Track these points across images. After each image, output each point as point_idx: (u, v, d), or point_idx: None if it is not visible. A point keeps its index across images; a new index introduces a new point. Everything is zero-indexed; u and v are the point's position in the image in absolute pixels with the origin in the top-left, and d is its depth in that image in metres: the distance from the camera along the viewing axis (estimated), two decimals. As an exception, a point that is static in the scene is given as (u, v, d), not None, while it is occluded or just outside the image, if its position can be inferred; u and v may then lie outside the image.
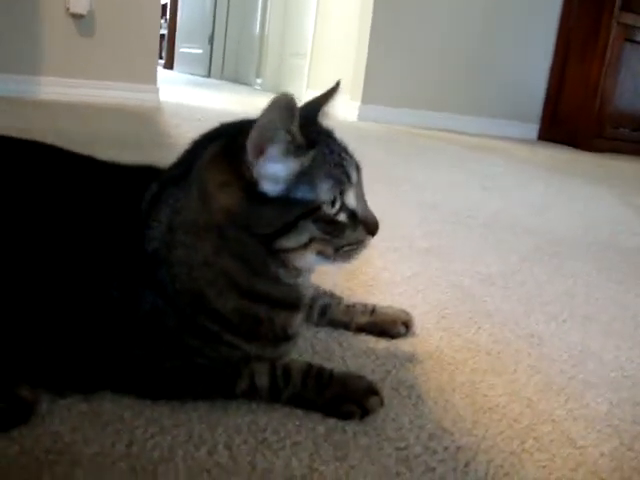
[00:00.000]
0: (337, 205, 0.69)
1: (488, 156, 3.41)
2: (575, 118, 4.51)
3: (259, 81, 6.66)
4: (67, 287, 0.68)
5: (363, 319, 0.94)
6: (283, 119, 0.63)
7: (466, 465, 0.66)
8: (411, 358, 0.89)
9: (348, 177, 0.70)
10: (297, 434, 0.68)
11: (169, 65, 8.36)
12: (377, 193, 2.05)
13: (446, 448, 0.69)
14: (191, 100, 4.32)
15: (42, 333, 0.68)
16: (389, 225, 1.63)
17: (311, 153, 0.67)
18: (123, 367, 0.69)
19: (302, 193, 0.67)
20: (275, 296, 0.72)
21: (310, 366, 0.74)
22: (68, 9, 3.46)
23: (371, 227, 0.73)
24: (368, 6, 4.29)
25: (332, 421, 0.71)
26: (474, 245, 1.55)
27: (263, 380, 0.71)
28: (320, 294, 0.96)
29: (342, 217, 0.70)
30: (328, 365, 0.77)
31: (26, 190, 0.72)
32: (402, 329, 0.95)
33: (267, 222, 0.67)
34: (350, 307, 0.95)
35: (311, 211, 0.67)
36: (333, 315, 0.94)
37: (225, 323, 0.70)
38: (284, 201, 0.66)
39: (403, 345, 0.93)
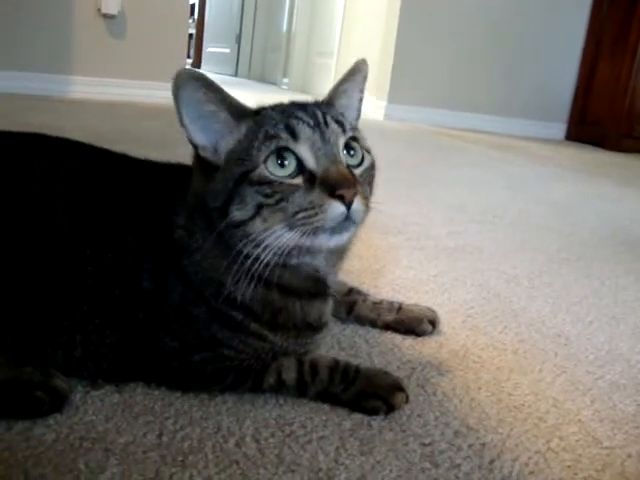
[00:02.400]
0: (289, 166, 0.64)
1: (514, 156, 3.38)
2: (603, 118, 4.44)
3: (286, 80, 6.68)
4: (101, 279, 0.70)
5: (390, 316, 0.95)
6: (190, 88, 0.65)
7: (491, 462, 0.67)
8: (437, 356, 0.90)
9: (292, 133, 0.65)
10: (324, 428, 0.69)
11: (197, 64, 8.43)
12: (403, 193, 2.05)
13: (471, 445, 0.69)
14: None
15: (77, 325, 0.70)
16: (415, 224, 1.64)
17: (242, 122, 0.68)
18: (154, 359, 0.71)
19: (237, 157, 0.67)
20: (285, 283, 0.71)
21: (337, 362, 0.75)
22: (99, 10, 3.52)
23: (331, 186, 0.63)
24: (395, 5, 4.28)
25: (358, 416, 0.72)
26: (500, 245, 1.54)
27: (290, 375, 0.73)
28: (347, 291, 0.97)
29: (289, 179, 0.64)
30: (354, 361, 0.78)
31: (66, 185, 0.74)
32: (428, 327, 0.95)
33: (216, 194, 0.67)
34: (377, 304, 0.96)
35: (245, 174, 0.65)
36: (360, 312, 0.95)
37: (248, 311, 0.70)
38: (226, 169, 0.67)
39: (429, 343, 0.93)
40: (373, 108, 4.42)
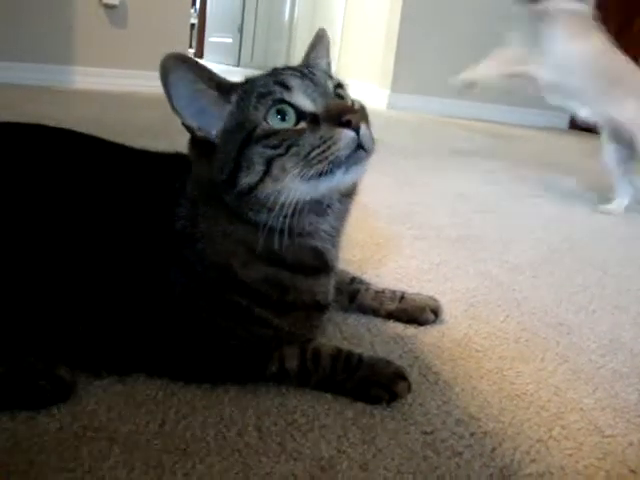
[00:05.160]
0: (290, 117, 0.65)
1: (517, 145, 3.37)
2: (608, 107, 4.41)
3: (288, 70, 6.64)
4: (103, 270, 0.71)
5: (392, 305, 0.95)
6: (178, 70, 0.66)
7: (492, 451, 0.67)
8: (439, 345, 0.90)
9: (284, 86, 0.67)
10: (326, 417, 0.69)
11: (199, 54, 8.40)
12: (405, 182, 2.04)
13: (473, 434, 0.69)
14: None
15: (79, 315, 0.70)
16: (418, 214, 1.63)
17: (231, 94, 0.69)
18: (157, 349, 0.71)
19: (234, 126, 0.67)
20: (291, 259, 0.71)
21: (339, 351, 0.75)
22: (101, 0, 3.50)
23: (335, 116, 0.64)
24: (398, -7, 4.25)
25: (360, 405, 0.72)
26: (503, 234, 1.54)
27: (293, 364, 0.73)
28: (349, 280, 0.97)
29: (293, 127, 0.65)
30: (357, 350, 0.78)
31: (65, 176, 0.74)
32: (430, 316, 0.95)
33: (221, 168, 0.67)
34: (379, 293, 0.96)
35: (249, 135, 0.65)
36: (362, 301, 0.95)
37: (254, 295, 0.71)
38: (226, 141, 0.68)
39: (431, 332, 0.93)
40: (376, 97, 4.40)
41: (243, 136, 0.66)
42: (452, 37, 4.37)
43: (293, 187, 0.64)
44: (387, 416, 0.71)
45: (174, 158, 0.80)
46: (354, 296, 0.95)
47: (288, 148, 0.64)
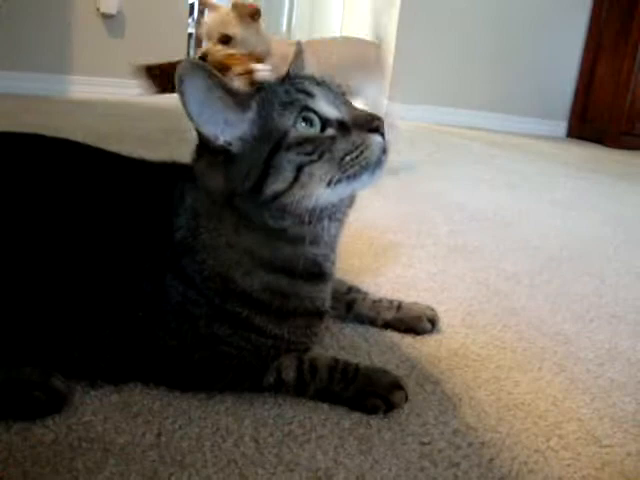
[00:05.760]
0: (316, 123, 0.66)
1: (515, 154, 3.38)
2: (605, 115, 4.43)
3: (286, 79, 6.66)
4: (100, 279, 0.70)
5: (389, 315, 0.95)
6: (198, 80, 0.65)
7: (490, 461, 0.67)
8: (436, 354, 0.89)
9: (307, 93, 0.67)
10: (322, 427, 0.69)
11: (196, 63, 8.41)
12: (402, 190, 2.05)
13: (470, 444, 0.69)
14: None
15: (75, 325, 0.70)
16: (415, 222, 1.64)
17: (250, 102, 0.68)
18: (153, 358, 0.71)
19: (260, 132, 0.67)
20: (296, 265, 0.71)
21: (336, 361, 0.75)
22: (98, 9, 3.52)
23: (365, 123, 0.67)
24: (395, 2, 4.27)
25: (357, 415, 0.72)
26: (500, 243, 1.54)
27: (290, 374, 0.73)
28: (346, 289, 0.97)
29: (322, 133, 0.66)
30: (354, 360, 0.78)
31: (60, 186, 0.74)
32: (428, 325, 0.95)
33: (246, 176, 0.66)
34: (376, 302, 0.96)
35: (278, 143, 0.65)
36: (359, 310, 0.95)
37: (254, 304, 0.70)
38: (250, 149, 0.67)
39: (428, 341, 0.93)
40: (373, 106, 4.42)
41: (272, 144, 0.65)
42: (448, 48, 4.39)
43: (318, 193, 0.65)
44: (384, 426, 0.70)
45: (171, 167, 0.80)
46: (351, 305, 0.95)
47: (321, 154, 0.65)
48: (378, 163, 0.68)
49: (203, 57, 1.73)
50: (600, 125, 4.47)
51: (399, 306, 0.96)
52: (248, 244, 0.69)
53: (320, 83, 0.70)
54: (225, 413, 0.70)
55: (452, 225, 1.67)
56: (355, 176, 0.66)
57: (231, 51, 1.76)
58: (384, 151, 0.68)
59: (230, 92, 0.67)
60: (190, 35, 7.77)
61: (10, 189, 0.71)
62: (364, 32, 4.84)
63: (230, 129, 0.67)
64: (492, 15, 4.42)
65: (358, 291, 0.98)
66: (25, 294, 0.69)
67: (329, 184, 0.65)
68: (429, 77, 4.41)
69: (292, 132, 0.65)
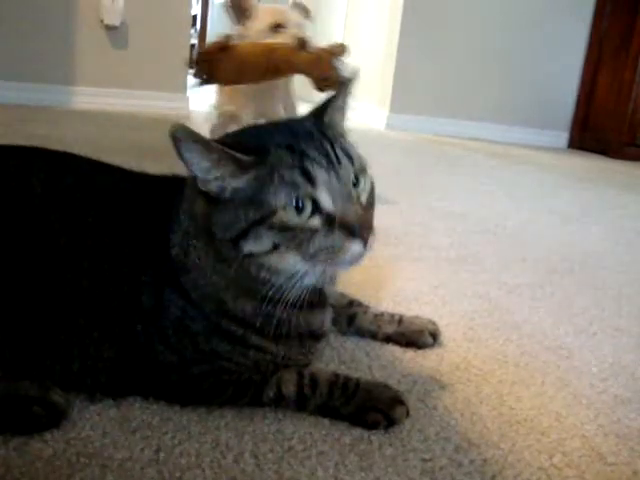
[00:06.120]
0: (306, 210, 0.64)
1: (516, 165, 3.38)
2: (606, 126, 4.43)
3: (287, 90, 6.68)
4: (99, 293, 0.70)
5: (390, 329, 0.94)
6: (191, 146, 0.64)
7: (492, 478, 0.66)
8: (438, 369, 0.89)
9: (310, 180, 0.64)
10: (323, 443, 0.68)
11: (199, 74, 8.44)
12: (403, 202, 2.04)
13: (472, 461, 0.68)
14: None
15: (75, 338, 0.69)
16: (416, 234, 1.63)
17: (250, 165, 0.65)
18: (152, 372, 0.71)
19: (249, 197, 0.65)
20: (285, 297, 0.68)
21: (337, 376, 0.74)
22: (102, 21, 3.53)
23: (349, 229, 0.64)
24: (397, 14, 4.29)
25: (358, 431, 0.71)
26: (501, 256, 1.53)
27: (290, 389, 0.72)
28: (347, 303, 0.96)
29: (307, 222, 0.64)
30: (355, 375, 0.77)
31: (64, 199, 0.74)
32: (429, 339, 0.95)
33: (226, 227, 0.66)
34: (377, 316, 0.95)
35: (263, 218, 0.64)
36: (360, 324, 0.95)
37: (249, 326, 0.70)
38: (239, 203, 0.65)
39: (430, 356, 0.93)
40: (375, 117, 4.42)
41: (258, 216, 0.64)
42: (449, 59, 4.40)
43: (295, 262, 0.65)
44: (385, 442, 0.70)
45: (171, 181, 0.79)
46: (352, 319, 0.95)
47: (299, 244, 0.64)
48: (350, 263, 0.67)
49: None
50: (601, 136, 4.47)
51: (400, 320, 0.95)
52: (232, 274, 0.68)
53: (331, 163, 0.66)
54: (225, 428, 0.69)
55: (453, 237, 1.66)
56: (317, 265, 0.66)
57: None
58: (360, 256, 0.66)
59: (231, 161, 0.64)
60: (192, 46, 7.81)
61: (10, 204, 0.71)
62: (366, 47, 4.85)
63: (222, 184, 0.66)
64: (493, 26, 4.43)
65: (359, 305, 0.97)
66: (25, 308, 0.68)
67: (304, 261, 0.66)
68: (430, 88, 4.42)
69: (279, 214, 0.64)
